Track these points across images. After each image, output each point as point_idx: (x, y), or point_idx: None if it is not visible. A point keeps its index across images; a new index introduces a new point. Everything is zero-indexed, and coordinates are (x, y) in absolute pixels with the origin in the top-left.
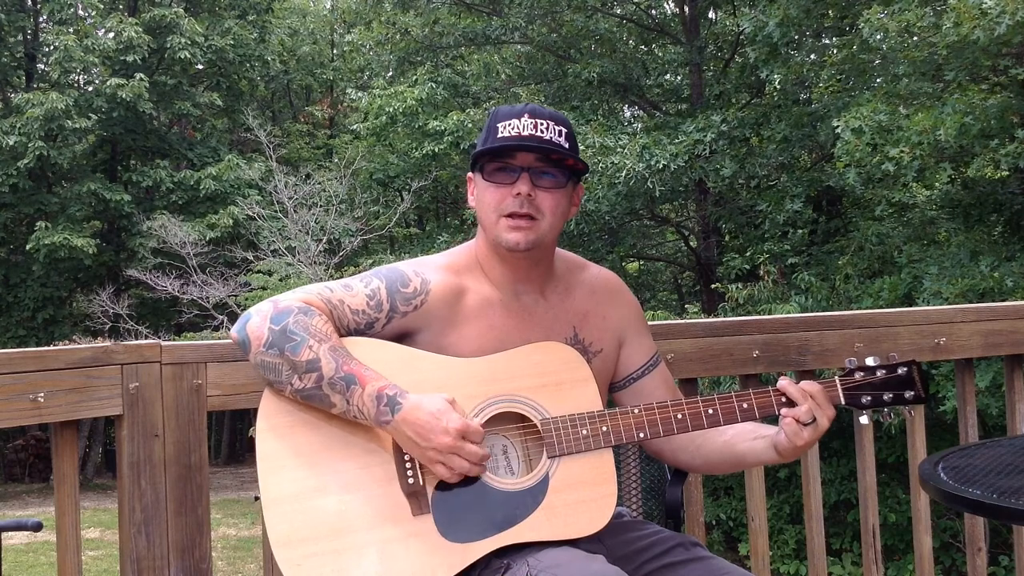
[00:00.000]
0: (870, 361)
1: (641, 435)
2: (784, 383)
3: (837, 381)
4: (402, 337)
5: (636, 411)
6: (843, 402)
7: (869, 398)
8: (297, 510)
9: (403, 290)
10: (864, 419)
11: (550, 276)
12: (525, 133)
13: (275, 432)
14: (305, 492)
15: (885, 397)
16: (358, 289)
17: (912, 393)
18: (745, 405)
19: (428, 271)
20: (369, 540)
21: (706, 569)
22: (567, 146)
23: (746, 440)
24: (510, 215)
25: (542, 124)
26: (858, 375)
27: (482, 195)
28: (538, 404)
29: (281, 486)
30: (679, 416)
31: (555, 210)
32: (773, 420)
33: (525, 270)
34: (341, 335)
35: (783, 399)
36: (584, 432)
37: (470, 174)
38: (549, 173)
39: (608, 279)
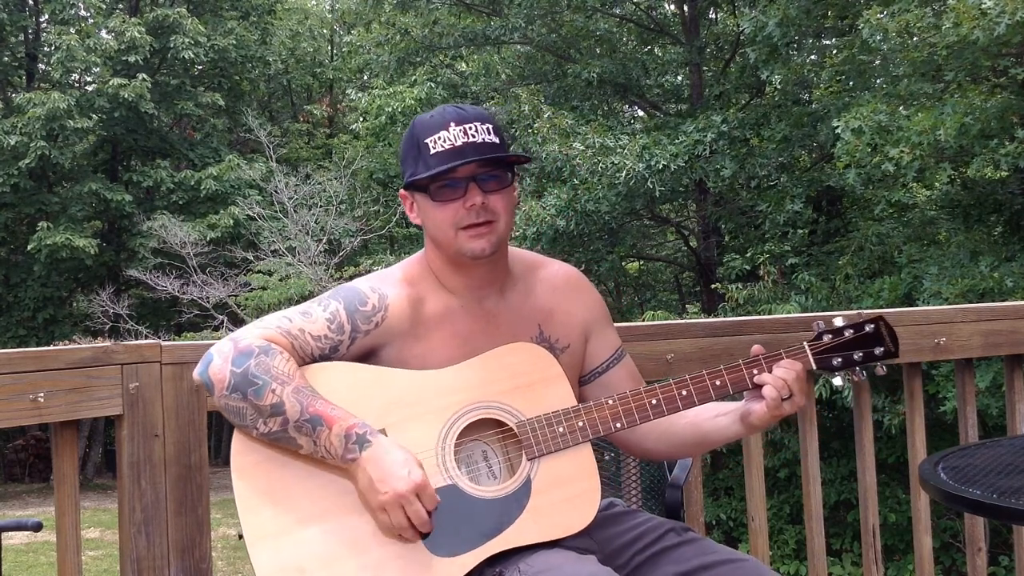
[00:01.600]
0: (838, 322)
1: (618, 425)
2: (765, 376)
3: (806, 347)
4: (367, 355)
5: (611, 402)
6: (814, 367)
7: (840, 359)
8: (282, 545)
9: (362, 308)
10: (838, 381)
11: (508, 277)
12: (459, 143)
13: (247, 471)
14: (287, 526)
15: (855, 356)
16: (317, 315)
17: (882, 349)
18: (718, 382)
19: (385, 286)
20: (357, 566)
21: (698, 550)
22: (498, 141)
23: (708, 418)
24: (469, 226)
25: (471, 128)
26: (826, 338)
27: (432, 214)
28: (512, 407)
29: (262, 524)
30: (654, 402)
31: (508, 208)
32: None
33: (484, 275)
34: (307, 363)
35: (755, 372)
36: (561, 430)
37: (404, 192)
38: (494, 176)
39: (569, 274)
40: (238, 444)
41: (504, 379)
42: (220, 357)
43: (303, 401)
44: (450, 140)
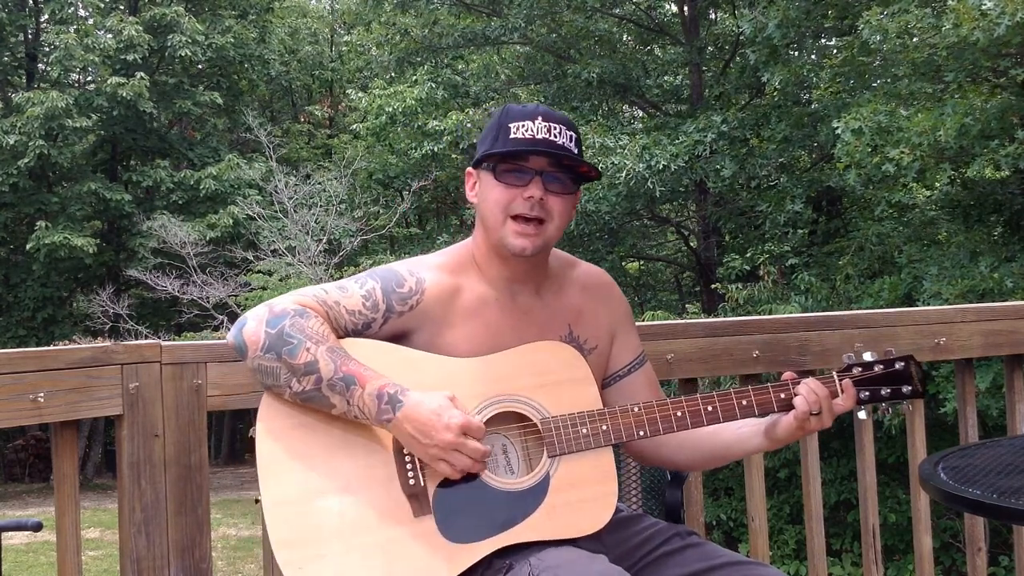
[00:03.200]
0: (867, 356)
1: (641, 433)
2: (799, 388)
3: (835, 377)
4: (398, 337)
5: (636, 409)
6: (846, 395)
7: (867, 393)
8: (298, 512)
9: (398, 290)
10: (862, 414)
11: (545, 275)
12: (539, 136)
13: (274, 435)
14: (306, 495)
15: (883, 392)
16: (353, 290)
17: (909, 388)
18: (744, 402)
19: (423, 270)
20: (370, 542)
21: (700, 554)
22: (576, 151)
23: (730, 429)
24: (518, 217)
25: (555, 128)
26: (855, 371)
27: (489, 193)
28: (538, 403)
29: (282, 489)
30: (679, 414)
31: (563, 214)
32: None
33: (524, 271)
34: (338, 336)
35: (782, 396)
36: (584, 431)
37: (470, 169)
38: (560, 178)
39: (599, 276)
40: (266, 409)
41: (533, 375)
42: (254, 320)
43: (336, 360)
44: (532, 130)
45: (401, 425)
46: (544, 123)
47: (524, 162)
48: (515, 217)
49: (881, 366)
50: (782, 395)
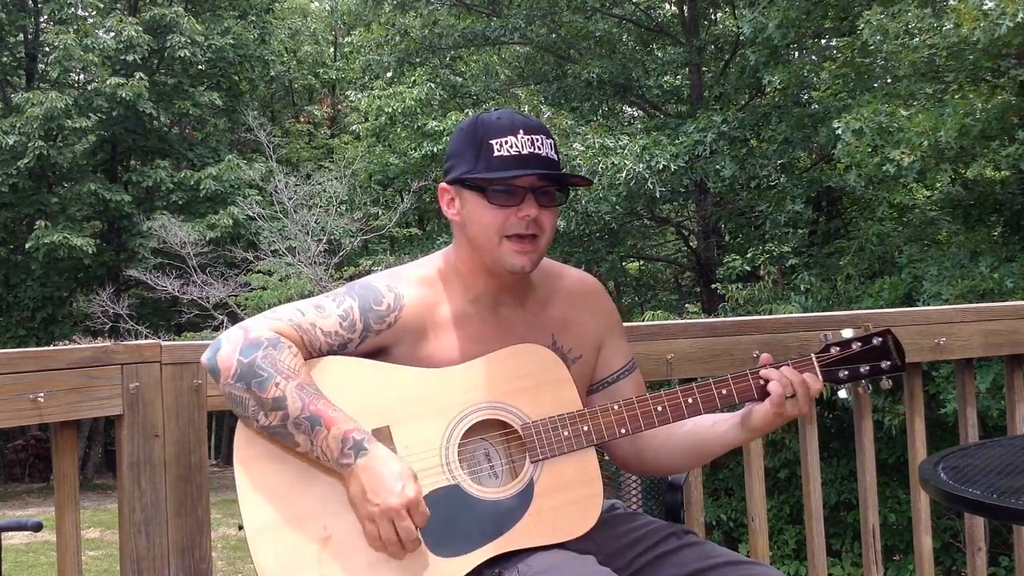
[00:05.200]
0: (845, 334)
1: (623, 431)
2: (771, 373)
3: (814, 358)
4: (378, 352)
5: (616, 407)
6: (821, 379)
7: (847, 372)
8: (281, 540)
9: (376, 308)
10: (843, 393)
11: (529, 286)
12: (525, 152)
13: (253, 462)
14: (288, 520)
15: (862, 369)
16: (331, 310)
17: (888, 363)
18: (724, 391)
19: (402, 285)
20: (358, 563)
21: (698, 554)
22: (556, 159)
23: (707, 427)
24: (514, 236)
25: (538, 140)
26: (834, 350)
27: (479, 215)
28: (518, 409)
29: (263, 516)
30: (659, 409)
31: (552, 225)
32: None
33: (510, 283)
34: (315, 357)
35: (762, 383)
36: (566, 433)
37: (445, 185)
38: (550, 192)
39: (587, 284)
40: (241, 437)
41: (511, 380)
42: (229, 345)
43: (305, 398)
44: (517, 147)
45: (356, 473)
46: (527, 136)
47: (515, 182)
48: (510, 236)
49: (859, 343)
50: (761, 381)
